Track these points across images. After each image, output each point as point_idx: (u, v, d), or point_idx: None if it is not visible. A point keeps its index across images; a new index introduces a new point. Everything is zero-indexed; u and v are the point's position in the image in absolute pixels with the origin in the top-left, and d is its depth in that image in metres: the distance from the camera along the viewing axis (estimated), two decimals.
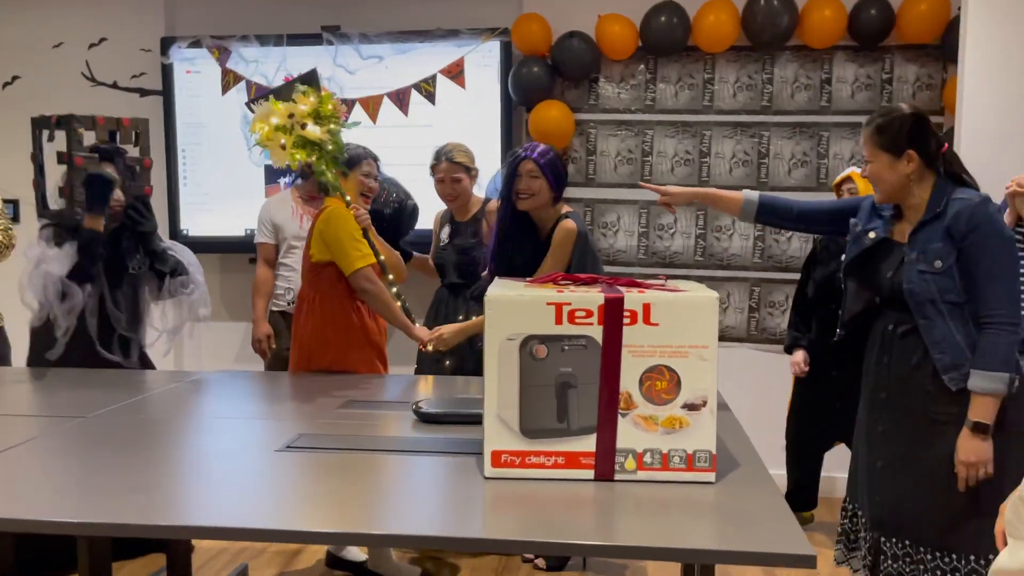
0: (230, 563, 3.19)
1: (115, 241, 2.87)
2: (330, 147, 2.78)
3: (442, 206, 3.60)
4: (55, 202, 2.81)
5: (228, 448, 1.91)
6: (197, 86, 4.31)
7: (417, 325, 2.98)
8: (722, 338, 4.15)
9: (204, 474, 1.72)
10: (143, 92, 4.41)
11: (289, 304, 3.63)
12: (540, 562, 3.21)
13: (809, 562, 1.32)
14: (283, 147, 2.75)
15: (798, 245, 4.10)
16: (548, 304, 1.63)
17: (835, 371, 3.38)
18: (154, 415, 2.17)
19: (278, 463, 1.77)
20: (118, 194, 2.82)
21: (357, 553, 3.07)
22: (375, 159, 3.08)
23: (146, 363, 3.05)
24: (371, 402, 2.35)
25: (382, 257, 2.98)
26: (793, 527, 1.44)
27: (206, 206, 4.36)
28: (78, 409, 2.20)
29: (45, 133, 2.80)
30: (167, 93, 4.31)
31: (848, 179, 3.41)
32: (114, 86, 4.44)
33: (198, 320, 3.08)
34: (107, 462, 1.76)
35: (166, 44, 4.27)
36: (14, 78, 4.47)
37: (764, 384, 4.04)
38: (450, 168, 3.40)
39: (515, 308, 1.64)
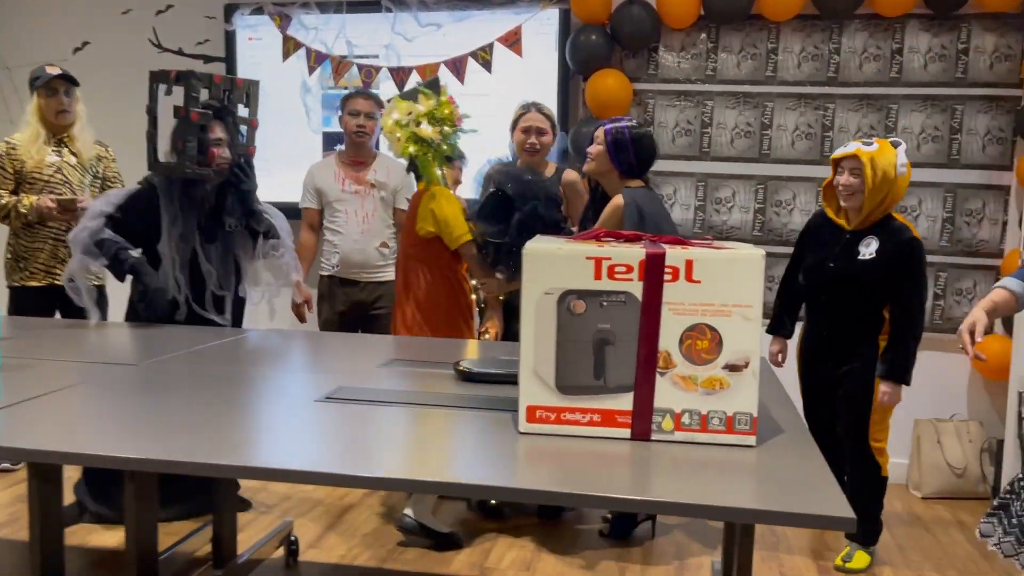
0: (275, 522, 3.25)
1: (218, 197, 2.94)
2: (443, 147, 3.06)
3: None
4: (165, 156, 2.87)
5: (270, 397, 1.93)
6: (259, 53, 4.36)
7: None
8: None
9: (245, 419, 1.74)
10: (207, 59, 4.48)
11: (335, 268, 3.66)
12: (604, 528, 3.23)
13: (848, 525, 1.27)
14: (398, 139, 3.04)
15: None
16: (588, 259, 1.60)
17: (830, 363, 3.07)
18: (198, 366, 2.21)
19: (318, 413, 1.78)
20: (225, 151, 2.89)
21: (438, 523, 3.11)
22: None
23: (239, 322, 3.14)
24: (414, 361, 2.35)
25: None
26: (835, 491, 1.39)
27: (266, 173, 4.39)
28: (130, 357, 2.26)
29: (162, 88, 2.86)
30: (229, 60, 4.37)
31: (852, 157, 2.89)
32: (179, 52, 4.53)
33: (288, 285, 3.15)
34: (147, 406, 1.80)
35: (229, 11, 4.33)
36: (84, 44, 4.59)
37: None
38: (539, 118, 3.32)
39: (554, 262, 1.61)
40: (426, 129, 2.96)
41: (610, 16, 4.00)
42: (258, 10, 4.26)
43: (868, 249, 2.91)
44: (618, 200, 2.89)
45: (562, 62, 4.08)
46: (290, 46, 4.23)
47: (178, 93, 2.81)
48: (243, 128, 3.00)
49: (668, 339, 1.60)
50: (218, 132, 2.88)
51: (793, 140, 4.02)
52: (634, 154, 2.94)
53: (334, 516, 3.37)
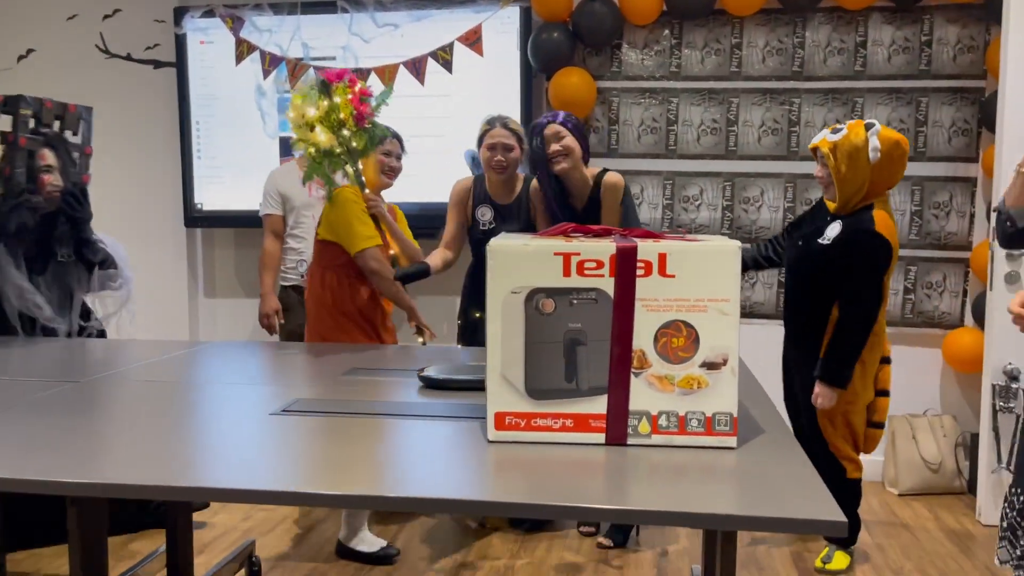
0: (236, 542, 3.12)
1: (48, 226, 2.81)
2: (349, 149, 2.74)
3: (450, 183, 3.31)
4: None
5: (220, 411, 1.81)
6: (211, 57, 4.23)
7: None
8: (751, 314, 4.01)
9: (195, 436, 1.63)
10: (157, 64, 4.34)
11: (300, 277, 3.55)
12: (605, 540, 3.15)
13: (840, 529, 1.19)
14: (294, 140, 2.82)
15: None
16: (556, 254, 1.51)
17: (790, 354, 3.03)
18: (146, 381, 2.08)
19: (272, 427, 1.67)
20: (56, 178, 2.79)
21: (372, 541, 2.99)
22: (397, 138, 3.04)
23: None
24: (376, 369, 2.24)
25: (392, 252, 2.97)
26: (823, 494, 1.31)
27: (220, 180, 4.29)
28: (72, 374, 2.12)
29: None
30: (180, 64, 4.23)
31: (818, 148, 2.82)
32: (128, 58, 4.38)
33: (128, 315, 3.02)
34: (91, 426, 1.67)
35: (179, 14, 4.19)
36: (29, 51, 4.42)
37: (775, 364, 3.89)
38: (504, 134, 3.10)
39: (520, 259, 1.52)
40: (319, 136, 2.67)
41: (571, 13, 3.94)
42: (209, 12, 4.13)
43: (830, 233, 2.77)
44: (617, 177, 3.04)
45: (524, 61, 4.00)
46: (243, 49, 4.10)
47: (5, 119, 2.73)
48: (76, 156, 2.89)
49: (642, 337, 1.51)
50: (48, 159, 2.79)
51: (760, 136, 3.97)
52: (587, 138, 3.08)
53: (298, 534, 3.24)
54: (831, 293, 2.77)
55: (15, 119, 2.70)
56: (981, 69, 3.77)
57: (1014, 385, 3.33)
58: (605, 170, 3.09)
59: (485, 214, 3.18)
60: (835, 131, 2.78)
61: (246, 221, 4.27)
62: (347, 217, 2.83)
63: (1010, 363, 3.35)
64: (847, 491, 2.90)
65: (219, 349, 2.59)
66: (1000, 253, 3.33)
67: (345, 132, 2.70)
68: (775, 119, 3.96)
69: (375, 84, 3.95)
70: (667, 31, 3.98)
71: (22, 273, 2.73)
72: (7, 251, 2.73)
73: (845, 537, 2.96)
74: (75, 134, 2.91)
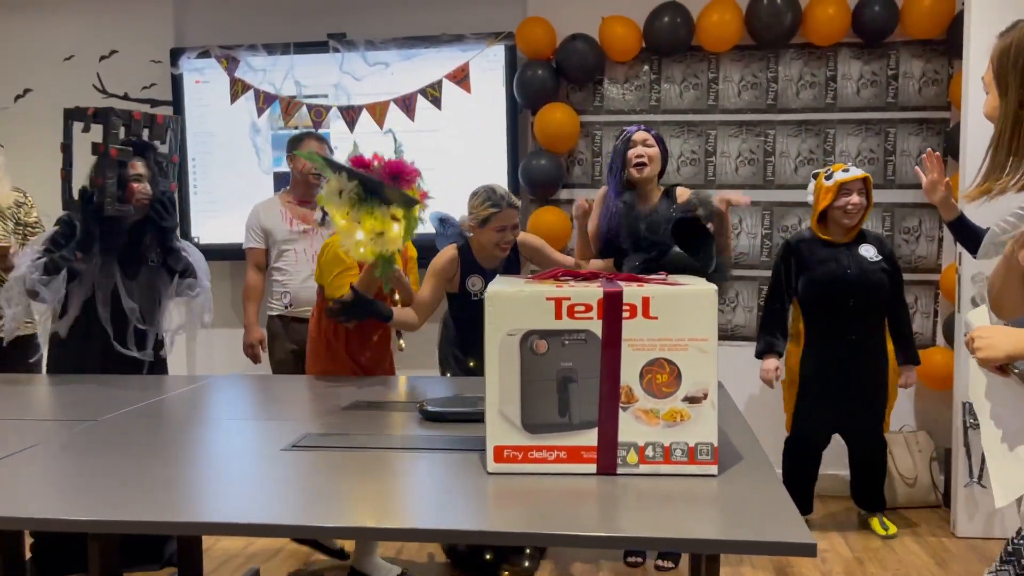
0: (242, 567, 3.21)
1: (138, 234, 2.92)
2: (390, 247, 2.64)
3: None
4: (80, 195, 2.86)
5: (235, 448, 1.93)
6: (206, 96, 4.36)
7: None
8: (731, 336, 4.16)
9: (211, 473, 1.74)
10: (154, 103, 4.46)
11: (286, 308, 3.66)
12: (666, 563, 3.27)
13: (809, 551, 1.33)
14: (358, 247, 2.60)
15: None
16: (548, 299, 1.64)
17: (840, 365, 3.44)
18: (161, 418, 2.20)
19: (284, 462, 1.79)
20: (146, 187, 2.89)
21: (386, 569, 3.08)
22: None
23: (159, 357, 3.10)
24: (377, 402, 2.36)
25: (396, 297, 2.91)
26: (794, 516, 1.44)
27: (216, 214, 4.41)
28: (89, 413, 2.23)
29: (78, 126, 2.84)
30: (177, 103, 4.36)
31: (862, 179, 3.38)
32: (125, 97, 4.50)
33: (201, 326, 3.12)
34: (116, 463, 1.78)
35: (175, 55, 4.32)
36: (26, 91, 4.53)
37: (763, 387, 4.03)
38: (513, 215, 2.96)
39: (515, 303, 1.65)
40: (390, 242, 2.57)
41: (555, 51, 4.10)
42: (205, 53, 4.26)
43: (870, 254, 3.42)
44: (687, 192, 3.14)
45: (510, 97, 4.15)
46: (238, 88, 4.23)
47: (96, 131, 2.81)
48: (164, 165, 2.99)
49: (629, 374, 1.65)
50: (138, 168, 2.89)
51: (737, 166, 4.14)
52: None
53: (301, 560, 3.34)
54: (885, 298, 3.46)
55: (105, 131, 2.77)
56: (945, 101, 3.96)
57: None
58: (675, 185, 3.25)
59: (476, 284, 3.05)
60: (846, 171, 3.39)
61: (242, 254, 4.38)
62: (330, 270, 2.87)
63: None
64: (886, 461, 3.71)
65: (224, 384, 2.70)
66: (967, 275, 3.50)
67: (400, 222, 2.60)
68: (751, 150, 4.12)
69: (366, 122, 4.10)
70: (647, 67, 4.15)
71: (113, 278, 2.86)
72: (101, 257, 2.84)
73: (884, 506, 3.71)
74: (163, 143, 2.99)
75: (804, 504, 3.65)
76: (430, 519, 1.51)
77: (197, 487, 1.65)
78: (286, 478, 1.70)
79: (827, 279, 3.42)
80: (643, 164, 3.08)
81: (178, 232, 3.03)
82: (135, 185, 2.88)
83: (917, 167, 2.95)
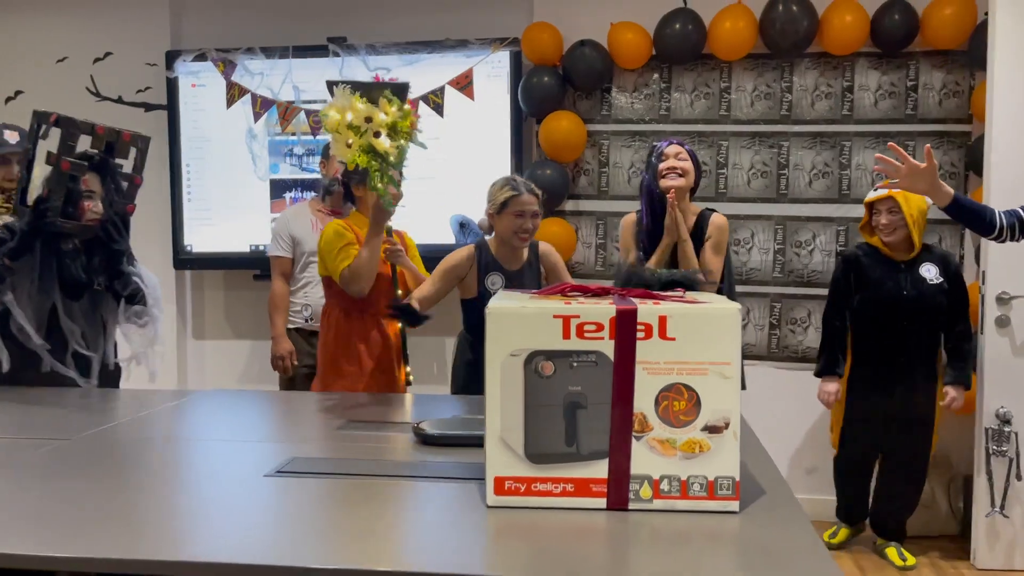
0: None
1: (86, 254, 2.74)
2: (397, 164, 2.61)
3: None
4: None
5: (213, 472, 1.78)
6: (202, 100, 4.24)
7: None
8: (743, 355, 4.01)
9: (182, 501, 1.59)
10: (148, 107, 4.34)
11: (307, 321, 3.54)
12: None
13: None
14: (348, 145, 2.56)
15: (820, 259, 3.96)
16: (555, 317, 1.50)
17: (888, 387, 3.38)
18: (139, 437, 2.05)
19: (266, 489, 1.64)
20: (97, 205, 2.70)
21: None
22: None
23: (108, 384, 2.87)
24: (372, 423, 2.22)
25: (399, 292, 2.94)
26: (824, 558, 1.30)
27: (210, 222, 4.28)
28: (62, 430, 2.08)
29: (43, 128, 2.67)
30: (172, 107, 4.24)
31: (887, 197, 3.29)
32: (119, 101, 4.38)
33: (150, 348, 2.93)
34: (83, 488, 1.64)
35: (171, 58, 4.20)
36: (17, 93, 4.42)
37: (786, 403, 3.89)
38: (532, 200, 2.89)
39: (519, 321, 1.51)
40: (385, 143, 2.52)
41: (562, 58, 3.97)
42: (201, 56, 4.14)
43: (931, 274, 3.32)
44: (723, 219, 3.06)
45: (515, 104, 4.03)
46: (235, 92, 4.11)
47: (55, 138, 2.61)
48: (124, 184, 2.78)
49: (643, 400, 1.50)
50: (91, 184, 2.68)
51: (749, 179, 4.00)
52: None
53: None
54: (943, 320, 3.35)
55: (62, 141, 2.57)
56: (967, 113, 3.82)
57: (1007, 428, 3.33)
58: (712, 210, 3.11)
59: (496, 283, 2.96)
60: (879, 187, 3.30)
61: (235, 263, 4.25)
62: (331, 248, 2.88)
63: (1002, 407, 3.36)
64: (921, 492, 3.55)
65: (211, 400, 2.56)
66: (991, 295, 3.35)
67: (403, 143, 2.57)
68: (764, 162, 3.99)
69: None
70: (656, 75, 4.02)
71: (52, 296, 2.66)
72: (40, 272, 2.64)
73: (904, 537, 3.57)
74: (127, 160, 2.80)
75: (855, 515, 3.66)
76: (419, 560, 1.36)
77: (163, 518, 1.50)
78: (264, 509, 1.56)
79: (882, 299, 3.32)
80: (675, 175, 2.97)
81: (130, 255, 2.83)
82: (87, 203, 2.67)
83: (878, 167, 2.73)
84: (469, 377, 2.97)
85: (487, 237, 3.00)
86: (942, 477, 3.81)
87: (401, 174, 2.78)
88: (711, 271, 2.97)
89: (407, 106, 2.56)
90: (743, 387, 2.91)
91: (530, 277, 2.99)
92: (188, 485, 1.71)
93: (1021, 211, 2.66)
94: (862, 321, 3.40)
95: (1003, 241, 2.75)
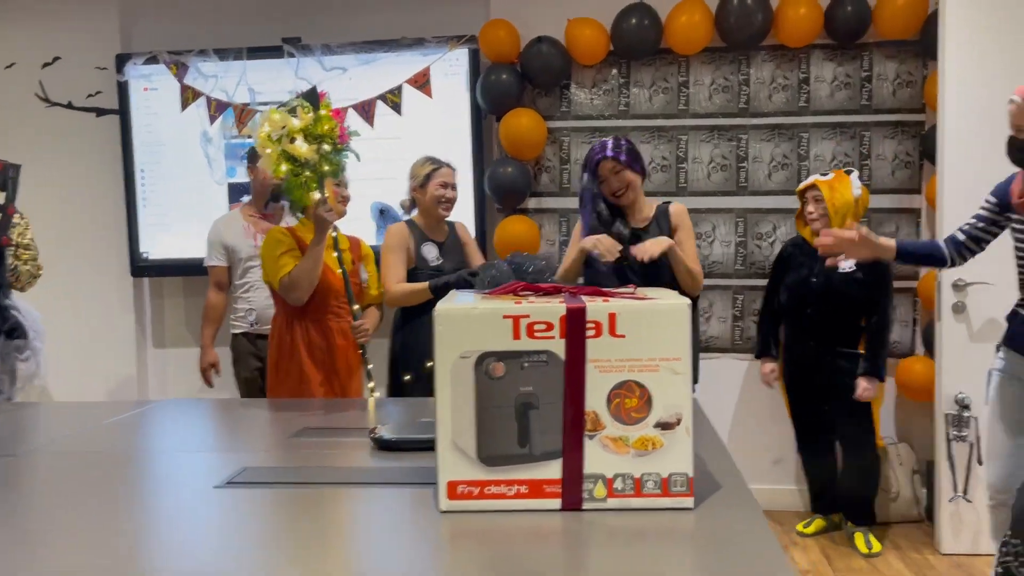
0: None
1: None
2: (322, 167, 2.61)
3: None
4: None
5: (163, 485, 1.74)
6: (155, 103, 4.16)
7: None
8: (706, 348, 4.02)
9: (135, 517, 1.55)
10: (99, 111, 4.26)
11: (252, 325, 3.48)
12: None
13: None
14: (269, 155, 2.61)
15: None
16: (505, 317, 1.48)
17: (819, 374, 3.46)
18: (88, 450, 2.00)
19: (216, 501, 1.60)
20: None
21: None
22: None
23: None
24: (328, 429, 2.18)
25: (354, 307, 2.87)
26: (774, 550, 1.30)
27: (167, 227, 4.21)
28: (7, 446, 2.03)
29: None
30: (124, 111, 4.16)
31: (812, 186, 3.39)
32: (69, 106, 4.29)
33: (30, 383, 2.87)
34: (25, 510, 1.59)
35: (121, 61, 4.12)
36: None
37: (750, 395, 3.91)
38: (452, 173, 3.25)
39: (468, 323, 1.48)
40: (300, 147, 2.55)
41: (519, 55, 3.95)
42: (152, 59, 4.07)
43: (846, 264, 3.29)
44: (682, 207, 3.07)
45: (474, 102, 4.00)
46: (189, 95, 4.04)
47: None
48: None
49: (595, 399, 1.48)
50: None
51: (709, 172, 4.01)
52: (640, 155, 3.10)
53: None
54: (858, 311, 3.38)
55: None
56: (920, 103, 3.86)
57: (966, 414, 3.37)
58: (668, 202, 3.13)
59: (431, 251, 3.22)
60: (824, 174, 3.40)
61: (195, 269, 4.18)
62: (270, 255, 2.84)
63: (961, 392, 3.40)
64: (879, 472, 3.59)
65: (165, 410, 2.51)
66: (946, 282, 3.39)
67: (326, 147, 2.60)
68: (723, 155, 4.00)
69: None
70: (615, 70, 4.02)
71: None
72: None
73: (872, 516, 3.58)
74: (1, 190, 2.75)
75: (824, 504, 3.70)
76: (369, 569, 1.33)
77: (109, 535, 1.46)
78: (213, 521, 1.52)
79: (794, 287, 3.45)
80: (623, 192, 2.99)
81: (7, 290, 2.74)
82: None
83: (822, 250, 2.71)
84: (404, 345, 3.18)
85: (409, 216, 3.25)
86: (905, 464, 3.85)
87: (340, 183, 2.88)
88: (694, 257, 3.02)
89: (323, 112, 2.58)
90: (696, 380, 2.95)
91: (456, 249, 3.27)
92: (135, 500, 1.67)
93: (958, 234, 2.67)
94: (783, 309, 3.54)
95: (959, 266, 2.74)
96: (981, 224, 2.62)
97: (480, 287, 2.77)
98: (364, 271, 3.05)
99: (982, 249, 2.65)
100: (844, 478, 3.56)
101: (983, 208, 2.64)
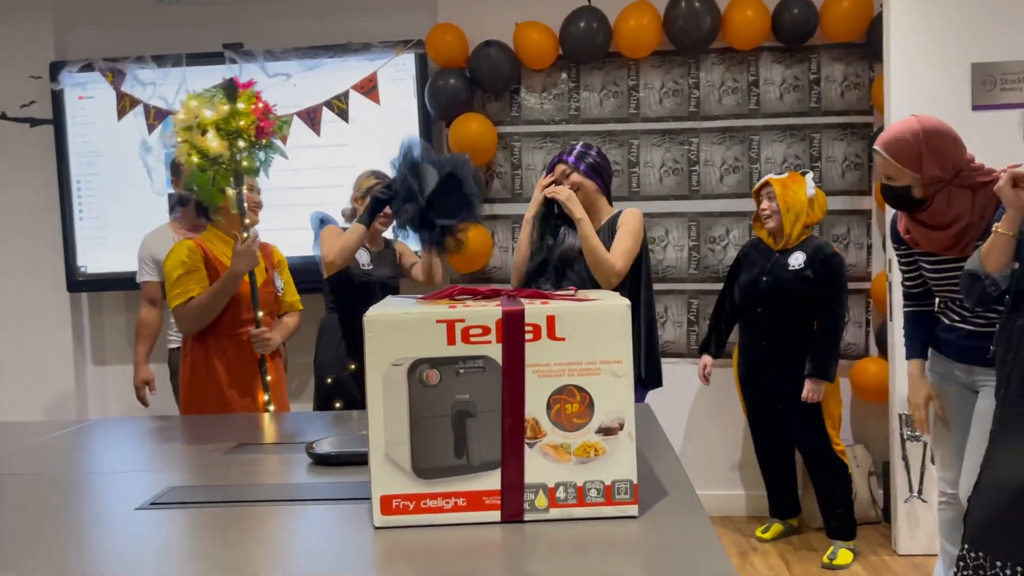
0: None
1: None
2: (240, 163, 2.49)
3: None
4: None
5: (80, 508, 1.64)
6: (91, 112, 4.03)
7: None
8: (663, 353, 3.97)
9: (41, 544, 1.45)
10: (34, 122, 4.12)
11: None
12: None
13: None
14: (178, 144, 2.51)
15: (734, 254, 3.96)
16: (438, 322, 1.41)
17: (770, 373, 3.44)
18: (9, 474, 1.89)
19: (134, 524, 1.51)
20: None
21: None
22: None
23: None
24: (265, 444, 2.09)
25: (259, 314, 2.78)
26: (719, 559, 1.24)
27: (106, 240, 4.07)
28: None
29: None
30: (58, 121, 4.02)
31: (766, 184, 3.39)
32: (3, 117, 4.14)
33: None
34: None
35: (55, 69, 3.99)
36: None
37: (707, 399, 3.88)
38: None
39: (400, 329, 1.41)
40: (211, 141, 2.42)
41: (468, 59, 3.90)
42: (88, 67, 3.94)
43: (796, 262, 3.32)
44: (637, 210, 2.97)
45: (422, 108, 3.94)
46: (126, 103, 3.92)
47: None
48: None
49: (534, 405, 1.42)
50: None
51: (661, 176, 3.99)
52: (607, 172, 3.02)
53: None
54: (809, 310, 3.33)
55: None
56: (868, 105, 3.88)
57: None
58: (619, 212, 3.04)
59: (363, 256, 3.27)
60: (779, 174, 3.39)
61: (135, 283, 4.05)
62: (171, 277, 2.66)
63: None
64: (849, 483, 3.44)
65: (101, 428, 2.39)
66: (897, 283, 3.39)
67: (241, 143, 2.47)
68: (675, 159, 3.98)
69: None
70: (564, 75, 3.98)
71: None
72: None
73: (848, 530, 3.42)
74: None
75: (782, 509, 3.63)
76: None
77: (20, 558, 1.35)
78: (132, 545, 1.42)
79: (744, 286, 3.44)
80: (561, 191, 2.89)
81: None
82: None
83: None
84: (328, 344, 3.21)
85: (349, 225, 3.25)
86: (862, 466, 3.84)
87: (249, 174, 2.66)
88: (619, 251, 2.89)
89: (241, 106, 2.45)
90: (660, 384, 2.89)
91: (389, 258, 3.39)
92: (47, 524, 1.56)
93: (911, 292, 2.70)
94: (737, 310, 3.52)
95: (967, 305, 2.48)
96: (909, 272, 2.57)
97: (401, 189, 2.74)
98: (279, 279, 2.91)
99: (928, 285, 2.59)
100: (818, 495, 3.50)
101: (898, 258, 2.59)
